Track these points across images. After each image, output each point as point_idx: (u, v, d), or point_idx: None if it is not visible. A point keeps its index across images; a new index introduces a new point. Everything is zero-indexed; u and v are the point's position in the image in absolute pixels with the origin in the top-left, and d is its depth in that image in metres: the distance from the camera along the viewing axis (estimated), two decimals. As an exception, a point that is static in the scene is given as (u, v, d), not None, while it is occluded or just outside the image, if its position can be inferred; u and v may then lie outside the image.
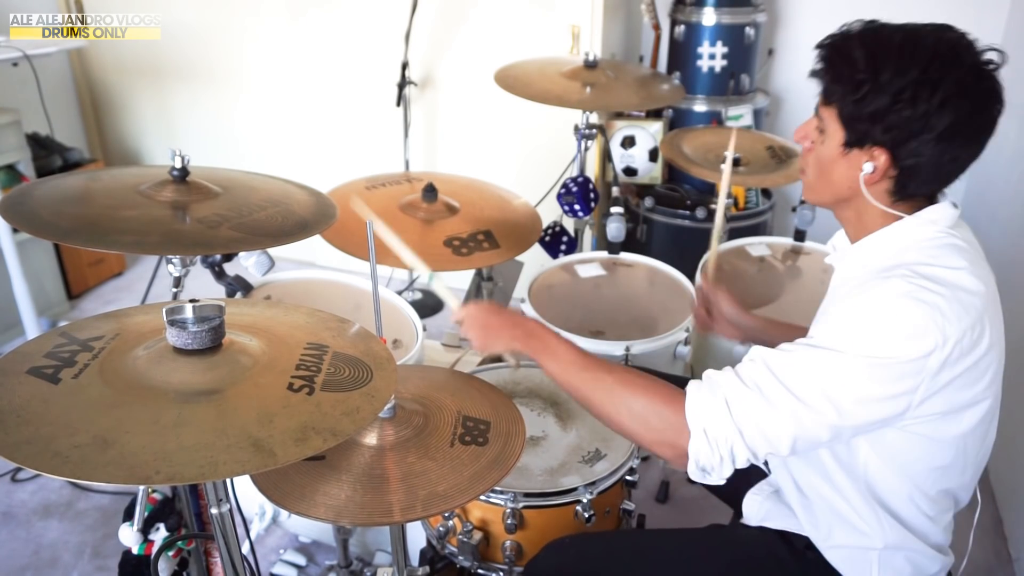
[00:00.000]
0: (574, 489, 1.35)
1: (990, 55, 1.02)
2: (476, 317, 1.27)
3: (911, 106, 0.99)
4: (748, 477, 1.38)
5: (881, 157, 1.04)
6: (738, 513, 1.36)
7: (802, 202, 2.15)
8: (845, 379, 0.98)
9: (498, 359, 1.49)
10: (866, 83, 1.01)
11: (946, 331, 0.97)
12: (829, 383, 0.98)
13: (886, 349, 0.97)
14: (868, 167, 1.06)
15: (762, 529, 1.27)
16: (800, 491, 1.24)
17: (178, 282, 1.42)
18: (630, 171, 2.98)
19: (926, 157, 1.03)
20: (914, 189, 1.08)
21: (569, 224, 2.46)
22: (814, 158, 1.13)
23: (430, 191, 1.79)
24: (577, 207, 2.31)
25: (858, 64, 1.02)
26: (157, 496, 1.53)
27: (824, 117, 1.09)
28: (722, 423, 1.00)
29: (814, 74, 1.08)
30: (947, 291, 0.99)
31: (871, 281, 1.04)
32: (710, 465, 1.02)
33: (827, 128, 1.09)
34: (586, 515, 1.34)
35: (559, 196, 2.35)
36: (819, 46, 1.08)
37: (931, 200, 1.11)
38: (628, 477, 1.43)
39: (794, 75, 3.19)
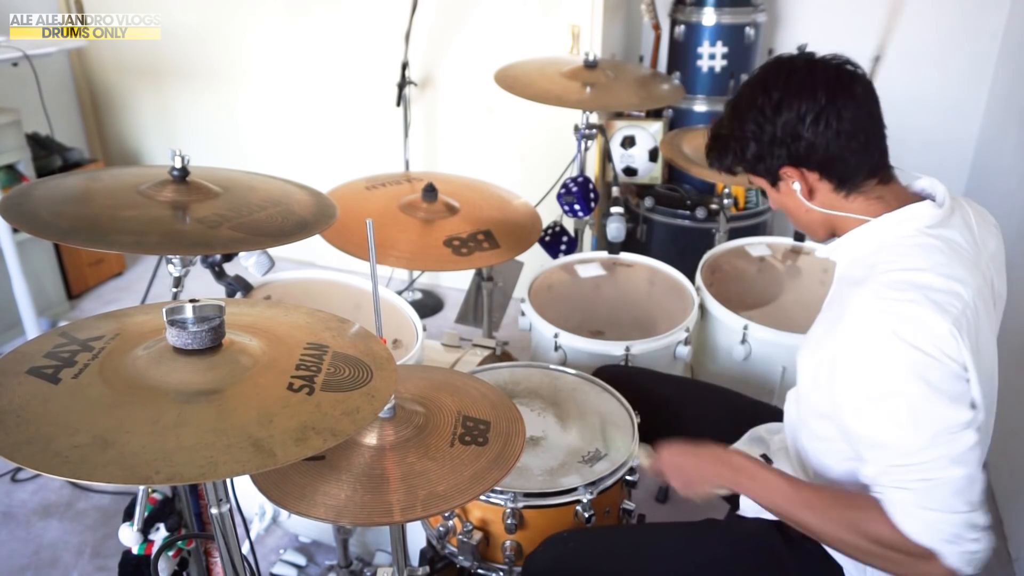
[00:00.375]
0: (574, 489, 1.35)
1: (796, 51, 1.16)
2: (676, 464, 1.28)
3: (763, 128, 1.13)
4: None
5: (791, 172, 1.16)
6: (735, 505, 1.36)
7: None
8: (938, 409, 1.00)
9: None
10: (734, 141, 1.18)
11: (933, 327, 1.00)
12: (938, 423, 1.00)
13: (935, 365, 1.00)
14: (796, 186, 1.17)
15: (759, 520, 1.27)
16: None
17: (178, 282, 1.42)
18: (630, 171, 2.98)
19: (817, 144, 1.11)
20: (847, 172, 1.14)
21: (569, 224, 2.46)
22: (779, 209, 1.26)
23: (430, 191, 1.79)
24: (577, 207, 2.31)
25: (723, 134, 1.20)
26: (157, 496, 1.53)
27: (751, 180, 1.23)
28: (948, 524, 1.01)
29: (710, 164, 1.25)
30: (918, 295, 1.01)
31: (849, 297, 1.07)
32: (975, 555, 1.03)
33: (758, 184, 1.23)
34: (586, 515, 1.34)
35: (559, 196, 2.35)
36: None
37: (879, 178, 1.15)
38: (628, 477, 1.43)
39: (794, 75, 3.18)
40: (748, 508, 1.31)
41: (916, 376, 0.99)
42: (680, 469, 1.27)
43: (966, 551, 1.02)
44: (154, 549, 1.46)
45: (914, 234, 1.10)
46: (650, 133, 2.94)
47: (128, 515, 1.45)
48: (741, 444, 1.45)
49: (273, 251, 1.53)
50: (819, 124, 1.10)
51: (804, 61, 1.14)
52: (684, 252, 2.40)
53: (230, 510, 1.01)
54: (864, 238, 1.15)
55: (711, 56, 2.83)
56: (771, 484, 1.17)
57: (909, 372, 1.00)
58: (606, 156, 2.84)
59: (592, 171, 2.81)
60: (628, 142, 2.95)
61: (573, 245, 2.41)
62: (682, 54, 2.89)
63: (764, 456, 1.39)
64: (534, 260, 2.22)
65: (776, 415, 1.51)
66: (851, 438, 1.10)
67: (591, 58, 2.24)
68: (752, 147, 1.16)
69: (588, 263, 2.18)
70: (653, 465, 1.32)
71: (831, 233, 1.21)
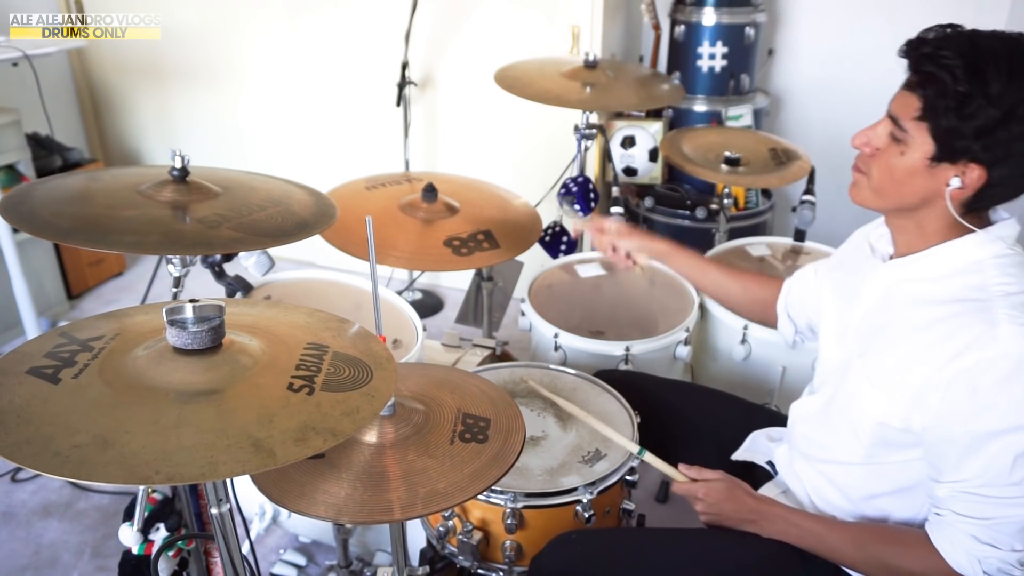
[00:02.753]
0: (574, 489, 1.35)
1: None
2: (706, 501, 1.27)
3: (1022, 123, 0.96)
4: (754, 477, 1.38)
5: (974, 172, 1.01)
6: None
7: (802, 202, 2.14)
8: None
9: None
10: (974, 97, 0.96)
11: None
12: None
13: None
14: (956, 182, 1.02)
15: None
16: (810, 498, 1.26)
17: (178, 282, 1.42)
18: (630, 171, 2.98)
19: (1016, 173, 1.01)
20: (986, 203, 1.06)
21: (569, 224, 2.46)
22: (884, 165, 1.08)
23: (430, 191, 1.79)
24: (577, 207, 2.31)
25: (959, 75, 0.97)
26: (157, 496, 1.53)
27: (909, 129, 1.03)
28: (998, 560, 1.01)
29: (908, 87, 1.03)
30: None
31: (967, 316, 1.02)
32: None
33: (910, 140, 1.04)
34: (586, 515, 1.34)
35: (559, 196, 2.35)
36: (910, 55, 1.03)
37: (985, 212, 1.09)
38: (628, 477, 1.43)
39: (794, 75, 3.19)
40: None
41: None
42: (712, 507, 1.26)
43: None
44: (154, 549, 1.46)
45: (1009, 252, 1.06)
46: (650, 133, 2.94)
47: (128, 515, 1.45)
48: (743, 450, 1.45)
49: (273, 251, 1.53)
50: None
51: None
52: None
53: (230, 510, 1.01)
54: (959, 254, 1.07)
55: (711, 56, 2.83)
56: (805, 527, 1.18)
57: None
58: (606, 156, 2.84)
59: (592, 171, 2.81)
60: (628, 142, 2.95)
61: (573, 245, 2.41)
62: (682, 54, 2.89)
63: (769, 463, 1.39)
64: (534, 260, 2.22)
65: (775, 419, 1.51)
66: (937, 458, 1.06)
67: (591, 58, 2.24)
68: (982, 120, 0.96)
69: (588, 263, 2.18)
70: (682, 487, 1.30)
71: (893, 212, 1.13)
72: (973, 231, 1.06)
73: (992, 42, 0.99)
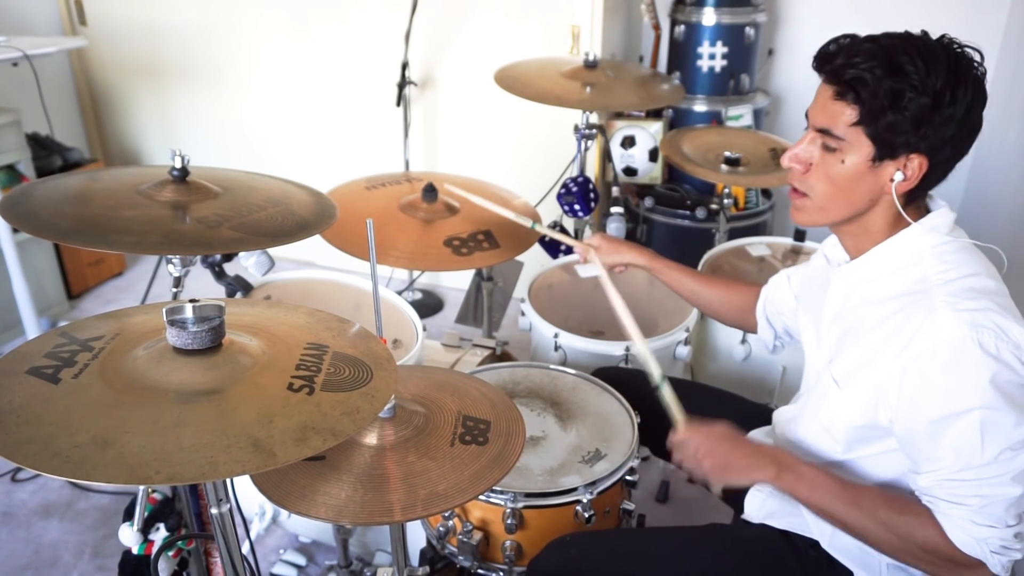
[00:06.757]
0: (574, 489, 1.35)
1: (974, 54, 1.04)
2: (709, 447, 1.20)
3: (951, 105, 1.00)
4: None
5: (915, 162, 1.04)
6: (739, 511, 1.36)
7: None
8: (1009, 427, 0.99)
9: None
10: (905, 90, 1.00)
11: (1012, 334, 0.99)
12: (1005, 440, 0.99)
13: (1015, 379, 0.99)
14: (899, 176, 1.06)
15: (764, 527, 1.27)
16: None
17: (178, 282, 1.42)
18: (630, 171, 2.98)
19: (952, 156, 1.05)
20: (923, 191, 1.10)
21: (569, 224, 2.46)
22: (824, 177, 1.10)
23: (430, 191, 1.79)
24: (577, 207, 2.31)
25: (880, 75, 1.01)
26: (157, 496, 1.53)
27: (844, 136, 1.06)
28: (999, 538, 1.02)
29: (839, 96, 1.05)
30: (989, 301, 1.01)
31: (910, 308, 1.05)
32: (1014, 561, 1.04)
33: (847, 146, 1.07)
34: (586, 515, 1.34)
35: (559, 196, 2.35)
36: (824, 68, 1.07)
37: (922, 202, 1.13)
38: (628, 477, 1.43)
39: (794, 75, 3.19)
40: (753, 514, 1.30)
41: (996, 391, 0.98)
42: (718, 454, 1.20)
43: (1010, 560, 1.03)
44: (154, 549, 1.46)
45: (946, 240, 1.09)
46: (650, 133, 2.94)
47: (128, 515, 1.45)
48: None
49: (273, 251, 1.53)
50: (970, 140, 1.04)
51: (983, 85, 1.04)
52: (684, 252, 2.40)
53: (230, 510, 1.01)
54: (901, 249, 1.11)
55: (711, 56, 2.83)
56: (817, 481, 1.14)
57: (990, 387, 0.98)
58: (606, 156, 2.84)
59: (592, 171, 2.81)
60: (628, 142, 2.95)
61: (573, 245, 2.41)
62: (682, 54, 2.89)
63: None
64: (534, 260, 2.22)
65: (775, 417, 1.51)
66: (910, 451, 1.08)
67: (591, 58, 2.24)
68: (916, 109, 1.00)
69: (588, 263, 2.18)
70: (682, 437, 1.25)
71: (845, 220, 1.13)
72: (910, 223, 1.10)
73: (891, 41, 1.03)
